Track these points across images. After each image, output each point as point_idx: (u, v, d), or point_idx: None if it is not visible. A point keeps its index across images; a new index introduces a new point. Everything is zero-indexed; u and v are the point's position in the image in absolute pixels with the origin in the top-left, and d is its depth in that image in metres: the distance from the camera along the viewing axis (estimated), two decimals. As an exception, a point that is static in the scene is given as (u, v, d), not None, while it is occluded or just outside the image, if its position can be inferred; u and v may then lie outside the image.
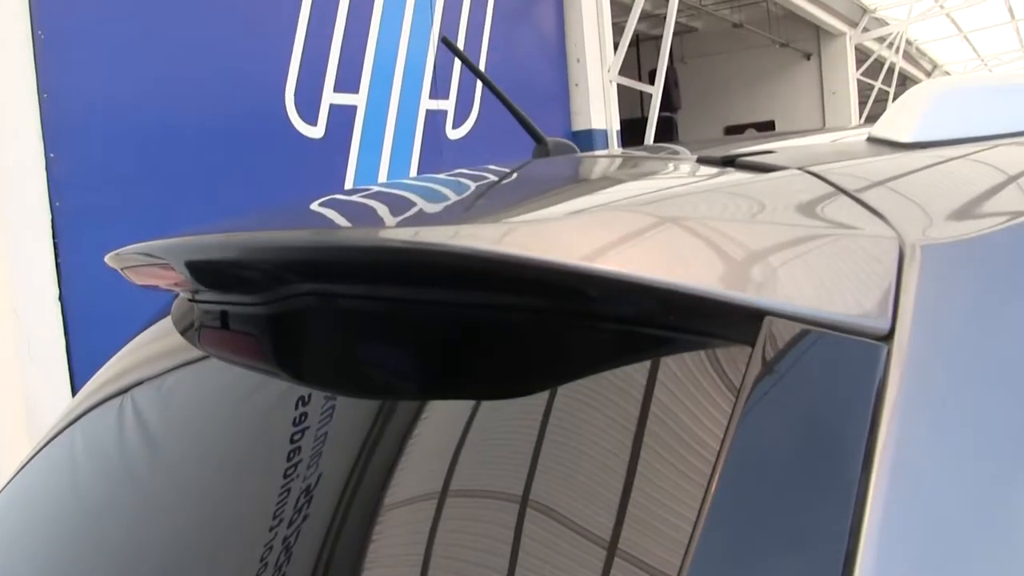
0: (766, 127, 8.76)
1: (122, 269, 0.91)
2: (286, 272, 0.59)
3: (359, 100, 3.36)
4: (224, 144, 2.79)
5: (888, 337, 0.44)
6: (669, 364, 0.46)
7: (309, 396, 0.77)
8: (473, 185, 0.81)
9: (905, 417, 0.42)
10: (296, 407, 0.77)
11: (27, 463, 1.13)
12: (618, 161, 0.95)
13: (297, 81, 3.07)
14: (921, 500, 0.42)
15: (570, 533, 0.46)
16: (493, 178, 0.86)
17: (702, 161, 0.73)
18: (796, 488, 0.41)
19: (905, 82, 12.28)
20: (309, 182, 3.05)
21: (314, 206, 0.78)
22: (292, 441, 0.72)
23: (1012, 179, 0.65)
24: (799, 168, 0.61)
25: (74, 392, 2.23)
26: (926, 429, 0.43)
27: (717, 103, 9.28)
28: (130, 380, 1.09)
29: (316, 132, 3.15)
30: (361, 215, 0.78)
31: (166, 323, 1.17)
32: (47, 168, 2.30)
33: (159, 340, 1.16)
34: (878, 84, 9.96)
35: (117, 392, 1.09)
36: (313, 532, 0.62)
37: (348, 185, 3.25)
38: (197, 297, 0.81)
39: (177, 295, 1.12)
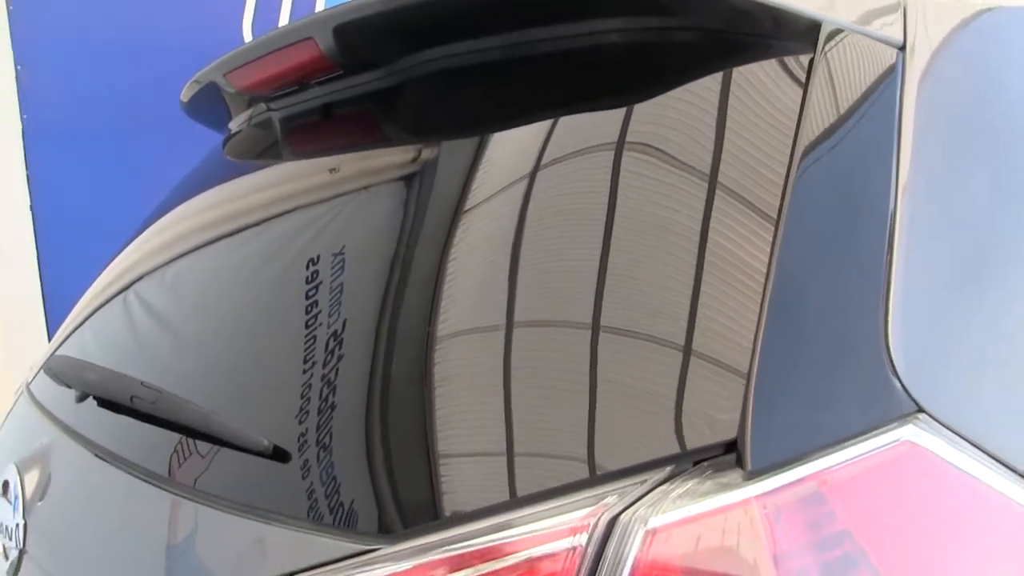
0: None
1: (224, 76, 1.07)
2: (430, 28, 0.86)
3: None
4: (186, 60, 2.86)
5: (903, 48, 0.71)
6: (769, 62, 0.74)
7: (318, 257, 0.91)
8: None
9: (919, 96, 0.68)
10: (307, 267, 0.91)
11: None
12: None
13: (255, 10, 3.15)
14: (944, 126, 0.69)
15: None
16: None
17: None
18: (853, 145, 0.67)
19: None
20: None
21: None
22: (307, 297, 0.87)
23: None
24: None
25: (44, 294, 2.35)
26: (930, 99, 0.70)
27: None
28: (147, 267, 1.20)
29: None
30: None
31: (163, 222, 1.29)
32: (17, 80, 2.38)
33: (163, 232, 1.28)
34: None
35: (136, 279, 1.19)
36: (348, 369, 0.79)
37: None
38: (291, 101, 1.02)
39: (229, 136, 1.26)
